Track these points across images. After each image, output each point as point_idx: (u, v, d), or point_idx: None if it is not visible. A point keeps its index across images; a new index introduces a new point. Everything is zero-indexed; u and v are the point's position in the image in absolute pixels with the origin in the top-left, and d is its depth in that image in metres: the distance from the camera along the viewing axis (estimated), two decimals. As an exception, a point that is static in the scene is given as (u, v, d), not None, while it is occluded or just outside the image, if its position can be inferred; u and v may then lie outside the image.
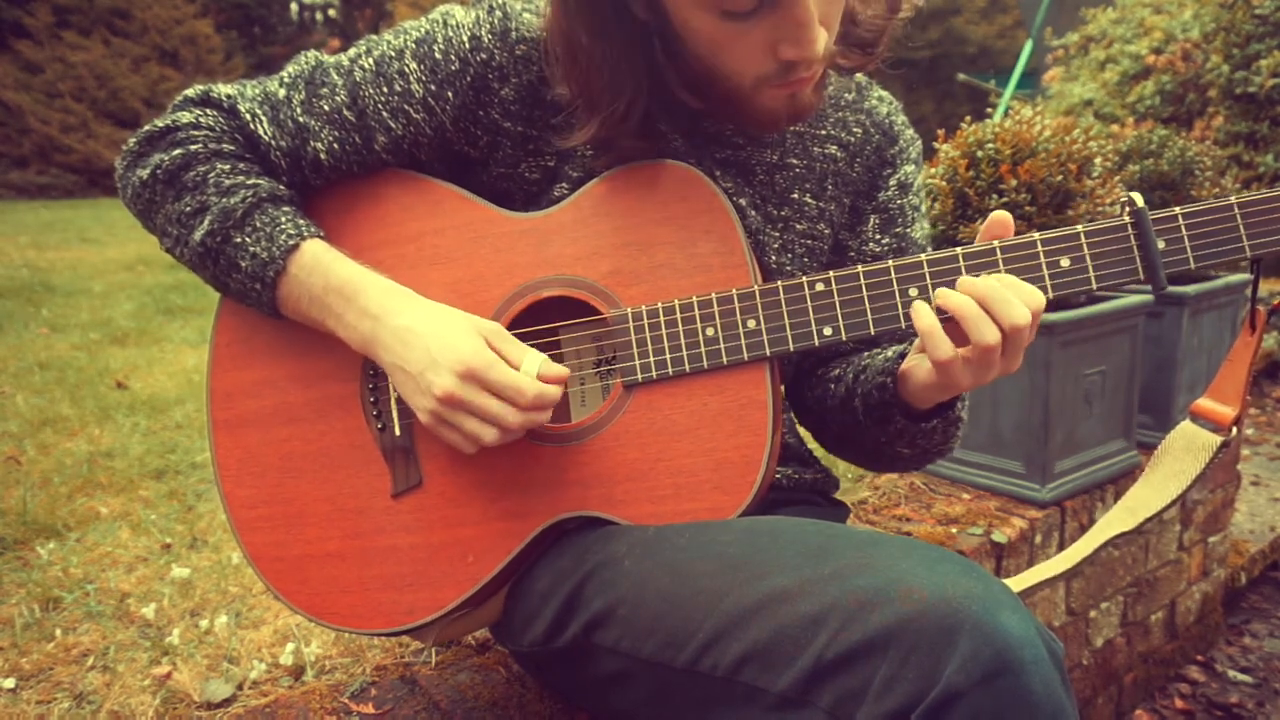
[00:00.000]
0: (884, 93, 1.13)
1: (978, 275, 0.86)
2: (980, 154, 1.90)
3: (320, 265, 0.93)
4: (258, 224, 0.94)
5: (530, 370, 0.88)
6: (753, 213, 1.03)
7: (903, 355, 0.97)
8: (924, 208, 1.15)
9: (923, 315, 0.85)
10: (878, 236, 1.10)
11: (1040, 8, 8.54)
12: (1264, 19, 4.54)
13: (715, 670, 0.78)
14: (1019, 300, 0.82)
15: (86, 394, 3.45)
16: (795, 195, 1.06)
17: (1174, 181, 2.43)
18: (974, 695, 0.65)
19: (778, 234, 1.05)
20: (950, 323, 0.85)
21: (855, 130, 1.09)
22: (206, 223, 0.94)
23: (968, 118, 2.08)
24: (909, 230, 1.11)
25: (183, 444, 2.88)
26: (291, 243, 0.93)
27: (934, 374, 0.89)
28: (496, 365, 0.86)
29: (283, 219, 0.95)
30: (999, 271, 0.87)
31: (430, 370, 0.87)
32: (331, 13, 31.64)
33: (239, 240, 0.94)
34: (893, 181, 1.11)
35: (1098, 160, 1.93)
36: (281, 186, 0.98)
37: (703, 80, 0.93)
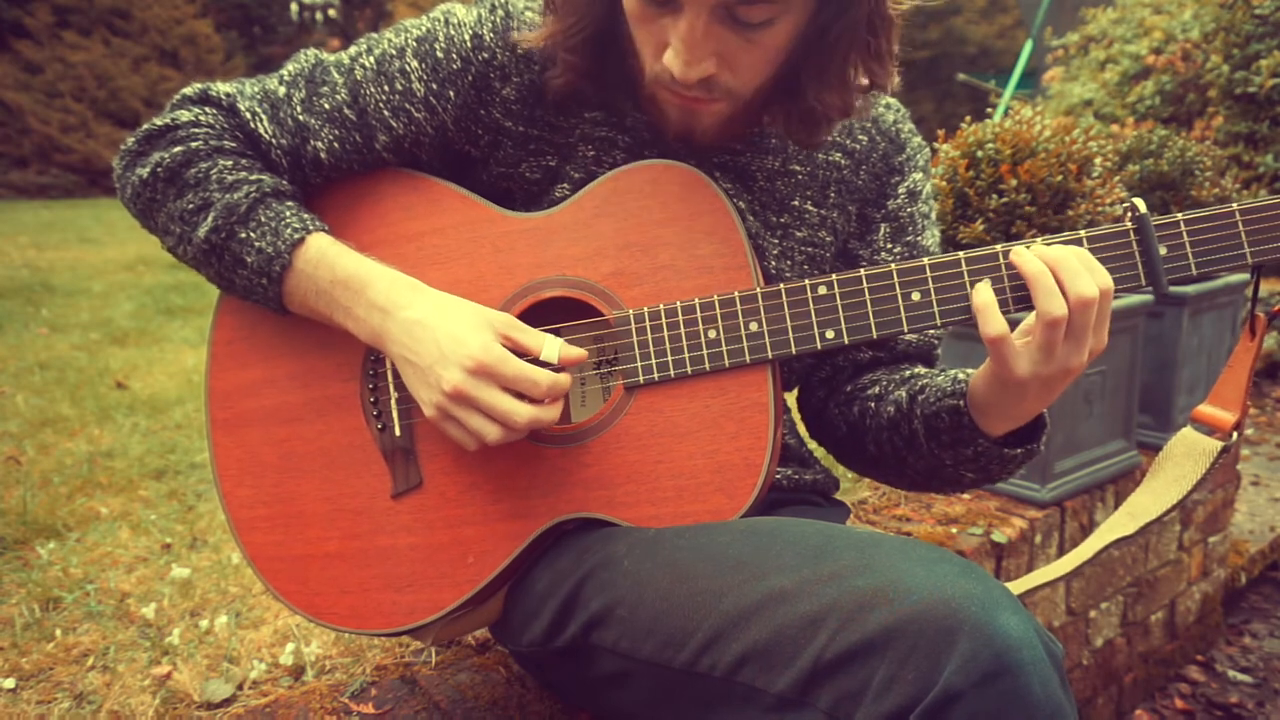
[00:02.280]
0: (892, 100, 1.12)
1: (968, 281, 0.87)
2: (980, 154, 1.90)
3: (326, 259, 0.93)
4: (262, 219, 0.94)
5: (551, 354, 0.88)
6: (750, 218, 1.03)
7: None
8: (934, 215, 1.14)
9: (980, 291, 0.85)
10: (889, 245, 1.10)
11: (1040, 8, 8.54)
12: (1264, 19, 4.53)
13: (714, 670, 0.78)
14: (1089, 274, 0.81)
15: (86, 394, 3.45)
16: (796, 202, 1.05)
17: (1174, 181, 2.43)
18: (973, 696, 0.65)
19: (776, 240, 1.05)
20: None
21: (860, 138, 1.09)
22: (210, 219, 0.94)
23: (968, 118, 2.08)
24: (919, 238, 1.11)
25: (183, 444, 2.88)
26: (297, 236, 0.93)
27: (991, 367, 0.87)
28: (508, 360, 0.86)
29: (287, 213, 0.95)
30: (1001, 274, 0.87)
31: (439, 364, 0.86)
32: (331, 13, 31.64)
33: (244, 235, 0.94)
34: (902, 189, 1.10)
35: (1098, 160, 1.93)
36: (284, 182, 0.98)
37: (627, 52, 0.94)
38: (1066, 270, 0.81)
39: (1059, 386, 0.86)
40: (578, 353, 0.90)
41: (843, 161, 1.08)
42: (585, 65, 0.95)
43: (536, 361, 0.89)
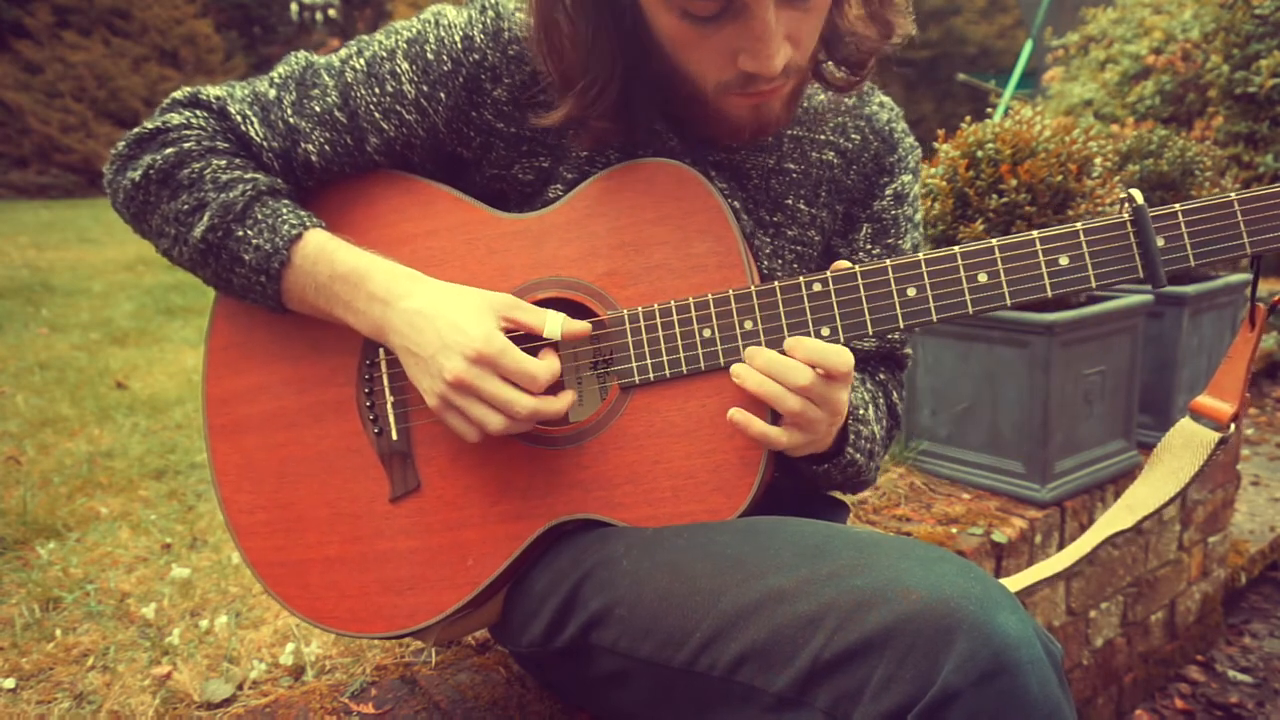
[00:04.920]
0: (886, 99, 1.12)
1: (964, 276, 0.87)
2: (980, 154, 1.90)
3: (325, 253, 0.93)
4: (259, 216, 0.94)
5: (554, 331, 0.89)
6: (744, 217, 1.03)
7: None
8: (919, 217, 1.14)
9: (734, 413, 0.89)
10: (868, 246, 1.09)
11: (1040, 8, 8.53)
12: (1264, 19, 4.53)
13: (713, 670, 0.78)
14: (799, 366, 0.86)
15: (86, 394, 3.45)
16: (789, 201, 1.05)
17: (1174, 181, 2.43)
18: (971, 695, 0.65)
19: (769, 239, 1.05)
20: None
21: (854, 136, 1.08)
22: (206, 218, 0.93)
23: (968, 118, 2.08)
24: (900, 242, 1.10)
25: (182, 444, 2.88)
26: (294, 232, 0.93)
27: None
28: (509, 351, 0.86)
29: (284, 210, 0.95)
30: (997, 268, 0.86)
31: (441, 354, 0.87)
32: (331, 13, 31.63)
33: (241, 233, 0.93)
34: (889, 191, 1.09)
35: (1098, 160, 1.93)
36: (279, 180, 0.98)
37: (670, 79, 0.93)
38: (780, 372, 0.87)
39: (834, 425, 0.92)
40: (581, 326, 0.90)
41: (835, 160, 1.07)
42: (619, 126, 0.96)
43: (537, 348, 0.90)
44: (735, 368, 0.90)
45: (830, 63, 0.96)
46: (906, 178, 1.11)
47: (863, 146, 1.08)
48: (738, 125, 0.95)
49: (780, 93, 0.91)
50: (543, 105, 0.97)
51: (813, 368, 0.87)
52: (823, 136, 1.07)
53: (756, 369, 0.88)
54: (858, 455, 1.01)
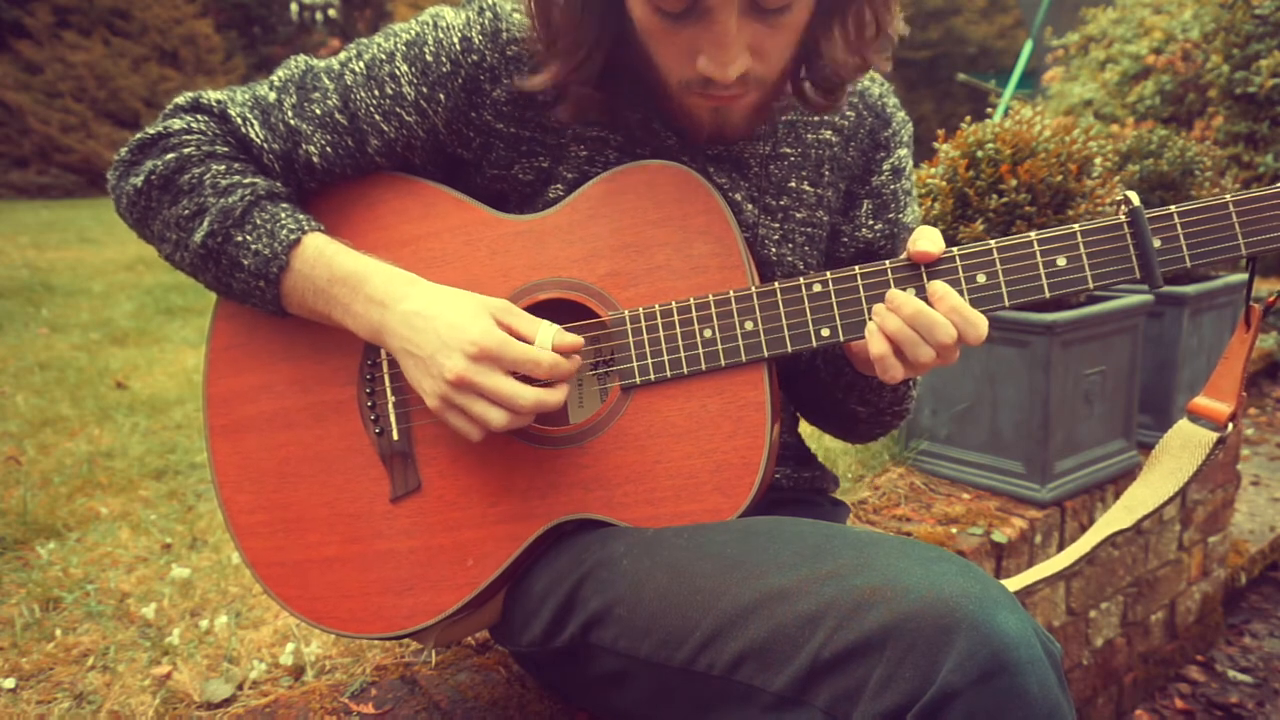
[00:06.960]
0: (875, 73, 1.12)
1: (963, 276, 0.88)
2: (980, 154, 1.90)
3: (323, 257, 0.94)
4: (258, 221, 0.94)
5: (545, 342, 0.89)
6: (749, 206, 1.03)
7: None
8: (914, 191, 1.16)
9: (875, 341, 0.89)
10: (870, 222, 1.10)
11: (1040, 8, 8.53)
12: (1264, 19, 4.53)
13: (712, 669, 0.78)
14: (926, 343, 0.87)
15: (86, 394, 3.45)
16: (793, 184, 1.06)
17: (1174, 181, 2.43)
18: (970, 695, 0.65)
19: (777, 225, 1.05)
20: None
21: (849, 114, 1.09)
22: (206, 224, 0.94)
23: (968, 118, 2.08)
24: (901, 215, 1.12)
25: (183, 444, 2.88)
26: (293, 237, 0.94)
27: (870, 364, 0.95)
28: (508, 343, 0.87)
29: (282, 215, 0.95)
30: (995, 269, 0.87)
31: (440, 353, 0.87)
32: (331, 13, 31.63)
33: (240, 239, 0.94)
34: (886, 166, 1.10)
35: (1098, 160, 1.93)
36: (279, 184, 0.98)
37: (641, 68, 0.93)
38: (926, 326, 0.86)
39: None
40: (573, 339, 0.90)
41: (833, 139, 1.08)
42: (602, 96, 0.96)
43: None
44: (879, 308, 0.89)
45: (809, 83, 0.97)
46: (902, 151, 1.12)
47: (858, 123, 1.09)
48: (698, 124, 0.96)
49: (739, 102, 0.92)
50: (543, 106, 0.97)
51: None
52: (817, 118, 1.07)
53: (904, 318, 0.87)
54: (913, 390, 1.12)
